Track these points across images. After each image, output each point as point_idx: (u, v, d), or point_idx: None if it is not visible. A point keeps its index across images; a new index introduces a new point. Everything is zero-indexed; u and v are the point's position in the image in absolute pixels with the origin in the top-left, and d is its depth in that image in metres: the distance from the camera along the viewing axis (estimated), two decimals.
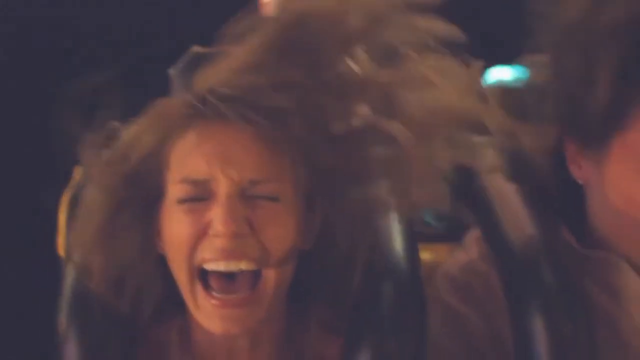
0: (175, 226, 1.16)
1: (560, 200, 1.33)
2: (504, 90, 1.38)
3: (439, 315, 1.31)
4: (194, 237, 1.15)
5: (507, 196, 1.33)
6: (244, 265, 1.15)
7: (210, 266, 1.15)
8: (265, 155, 1.15)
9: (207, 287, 1.16)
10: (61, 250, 1.41)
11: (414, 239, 1.29)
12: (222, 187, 1.14)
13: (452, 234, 1.53)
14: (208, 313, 1.16)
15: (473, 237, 1.38)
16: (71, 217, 1.41)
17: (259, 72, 1.15)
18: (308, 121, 1.15)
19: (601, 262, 1.27)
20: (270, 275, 1.16)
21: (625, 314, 1.26)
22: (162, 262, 1.21)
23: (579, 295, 1.22)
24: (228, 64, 1.17)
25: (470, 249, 1.36)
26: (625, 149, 1.23)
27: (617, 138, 1.24)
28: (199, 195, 1.15)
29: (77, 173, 1.43)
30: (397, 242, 1.26)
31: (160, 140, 1.18)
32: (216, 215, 1.13)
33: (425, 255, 1.33)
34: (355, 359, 1.18)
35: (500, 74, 1.51)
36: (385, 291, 1.21)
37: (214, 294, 1.15)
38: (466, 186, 1.48)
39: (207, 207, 1.14)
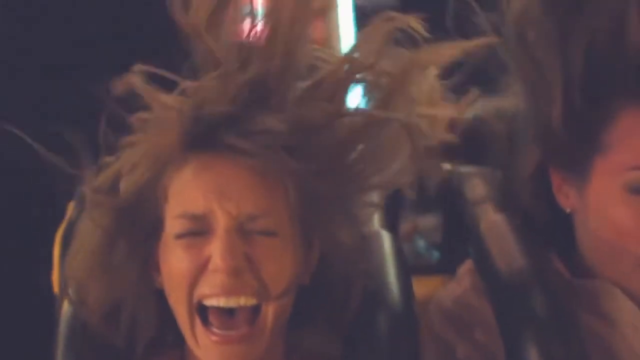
0: (174, 261, 1.16)
1: (550, 230, 1.33)
2: (492, 119, 1.40)
3: (432, 348, 1.31)
4: (193, 272, 1.14)
5: (497, 227, 1.34)
6: (243, 301, 1.14)
7: (209, 302, 1.15)
8: (263, 190, 1.15)
9: (206, 322, 1.15)
10: (56, 286, 1.42)
11: (407, 270, 1.29)
12: (221, 222, 1.13)
13: (445, 266, 1.54)
14: (208, 349, 1.16)
15: (466, 268, 1.38)
16: (65, 252, 1.41)
17: (255, 95, 1.16)
18: (304, 152, 1.16)
19: (592, 290, 1.28)
20: (269, 310, 1.16)
21: (619, 339, 1.26)
22: (158, 296, 1.21)
23: (571, 323, 1.22)
24: (223, 87, 1.17)
25: (462, 281, 1.37)
26: (605, 173, 1.24)
27: (597, 162, 1.25)
28: (198, 230, 1.15)
29: (71, 208, 1.44)
30: (391, 273, 1.27)
31: (156, 173, 1.18)
32: (215, 251, 1.13)
33: (419, 287, 1.33)
34: None
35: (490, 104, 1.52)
36: (379, 322, 1.21)
37: (214, 329, 1.15)
38: (458, 217, 1.49)
39: (206, 242, 1.14)
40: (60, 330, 1.25)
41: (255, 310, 1.15)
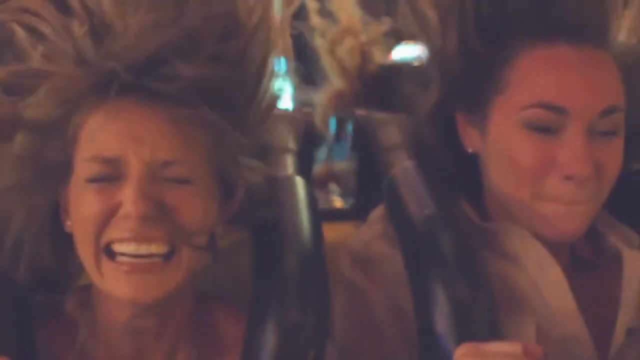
0: (84, 205, 1.13)
1: (460, 174, 1.35)
2: (402, 67, 1.41)
3: (342, 291, 1.32)
4: (102, 216, 1.12)
5: (408, 173, 1.35)
6: (154, 248, 1.12)
7: (118, 248, 1.12)
8: (178, 137, 1.12)
9: (113, 257, 1.12)
10: None
11: (318, 215, 1.29)
12: (134, 167, 1.11)
13: (357, 212, 1.55)
14: (116, 280, 1.12)
15: (377, 214, 1.39)
16: None
17: (167, 34, 1.13)
18: (219, 98, 1.14)
19: (500, 232, 1.31)
20: (183, 256, 1.14)
21: (524, 278, 1.29)
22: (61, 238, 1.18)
23: (478, 265, 1.24)
24: (133, 27, 1.13)
25: (373, 226, 1.38)
26: (503, 112, 1.28)
27: (496, 102, 1.29)
28: (109, 175, 1.12)
29: None
30: (302, 218, 1.26)
31: (64, 113, 1.14)
32: (127, 196, 1.10)
33: (330, 233, 1.33)
34: (259, 332, 1.17)
35: (404, 52, 1.53)
36: (288, 265, 1.21)
37: (123, 259, 1.11)
38: (371, 164, 1.49)
39: (118, 188, 1.12)
40: None
41: (168, 257, 1.13)
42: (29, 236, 1.18)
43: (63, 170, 1.16)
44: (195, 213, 1.13)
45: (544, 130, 1.25)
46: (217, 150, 1.15)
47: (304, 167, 1.43)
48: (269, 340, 1.16)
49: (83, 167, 1.13)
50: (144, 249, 1.12)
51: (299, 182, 1.31)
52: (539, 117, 1.25)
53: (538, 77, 1.26)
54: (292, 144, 1.43)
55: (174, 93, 1.11)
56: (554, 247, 1.30)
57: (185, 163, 1.13)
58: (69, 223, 1.17)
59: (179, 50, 1.12)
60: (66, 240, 1.18)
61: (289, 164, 1.37)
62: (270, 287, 1.20)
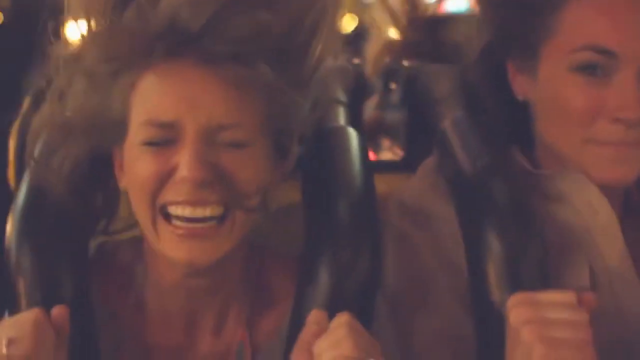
0: (140, 167, 1.13)
1: (512, 124, 1.35)
2: (452, 17, 1.40)
3: (392, 242, 1.32)
4: (158, 178, 1.12)
5: (460, 124, 1.34)
6: (209, 212, 1.12)
7: (174, 210, 1.12)
8: (234, 99, 1.11)
9: (169, 218, 1.13)
10: (11, 180, 1.40)
11: (369, 166, 1.29)
12: (190, 131, 1.10)
13: (408, 163, 1.54)
14: (172, 243, 1.13)
15: (428, 166, 1.39)
16: (21, 145, 1.39)
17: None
18: (274, 60, 1.12)
19: (553, 177, 1.30)
20: (237, 216, 1.14)
21: (575, 219, 1.29)
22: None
23: (531, 211, 1.24)
24: None
25: (423, 178, 1.37)
26: (552, 57, 1.28)
27: (545, 47, 1.29)
28: (165, 138, 1.11)
29: (27, 102, 1.41)
30: (354, 168, 1.26)
31: (116, 76, 1.13)
32: (183, 160, 1.10)
33: (381, 184, 1.33)
34: (312, 276, 1.18)
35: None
36: (340, 210, 1.20)
37: (179, 223, 1.12)
38: (422, 115, 1.49)
39: (174, 151, 1.11)
40: (18, 199, 1.22)
41: (222, 219, 1.13)
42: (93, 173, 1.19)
43: (118, 128, 1.15)
44: (250, 176, 1.13)
45: (594, 73, 1.24)
46: (272, 110, 1.14)
47: (355, 118, 1.43)
48: (322, 283, 1.17)
49: (138, 130, 1.13)
50: (199, 212, 1.12)
51: (350, 133, 1.31)
52: (589, 60, 1.24)
53: (588, 20, 1.25)
54: (342, 96, 1.42)
55: (230, 52, 1.10)
56: (607, 194, 1.29)
57: (241, 126, 1.12)
58: (124, 182, 1.17)
59: (234, 8, 1.10)
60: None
61: (340, 115, 1.37)
62: (322, 232, 1.21)
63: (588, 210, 1.29)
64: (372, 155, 1.54)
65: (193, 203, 1.11)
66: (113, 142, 1.17)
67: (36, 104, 1.46)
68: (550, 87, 1.28)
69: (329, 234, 1.20)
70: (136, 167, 1.13)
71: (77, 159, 1.18)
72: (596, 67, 1.24)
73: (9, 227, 1.21)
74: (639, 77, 1.24)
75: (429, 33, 2.11)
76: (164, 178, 1.12)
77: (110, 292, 1.23)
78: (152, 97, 1.12)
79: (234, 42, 1.10)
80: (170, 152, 1.11)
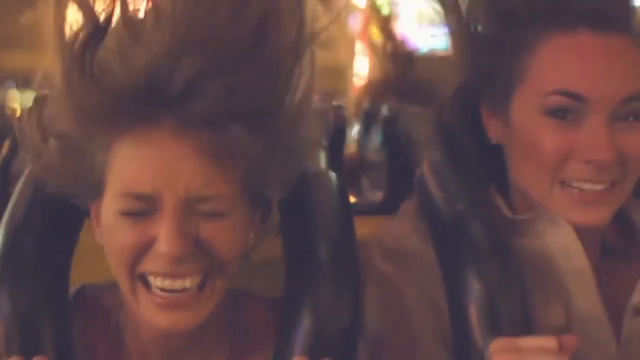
0: (118, 236, 1.11)
1: (487, 166, 1.36)
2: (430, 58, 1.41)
3: (373, 284, 1.32)
4: (137, 250, 1.10)
5: (438, 167, 1.35)
6: (189, 282, 1.11)
7: (153, 281, 1.11)
8: (211, 170, 1.09)
9: (148, 285, 1.12)
10: None
11: (349, 209, 1.29)
12: (168, 204, 1.08)
13: (388, 206, 1.55)
14: (152, 311, 1.12)
15: (408, 208, 1.39)
16: (3, 187, 1.39)
17: (196, 53, 1.06)
18: (251, 121, 1.10)
19: (530, 220, 1.31)
20: (217, 281, 1.13)
21: (551, 263, 1.29)
22: None
23: (510, 254, 1.24)
24: (158, 44, 1.07)
25: (404, 220, 1.37)
26: (525, 100, 1.29)
27: (517, 90, 1.30)
28: (143, 209, 1.09)
29: (7, 145, 1.41)
30: (333, 211, 1.26)
31: (89, 138, 1.11)
32: (161, 234, 1.08)
33: (361, 227, 1.33)
34: (293, 322, 1.17)
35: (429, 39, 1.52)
36: (321, 251, 1.21)
37: (158, 292, 1.11)
38: (402, 157, 1.50)
39: (152, 220, 1.09)
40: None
41: (201, 286, 1.12)
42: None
43: (94, 189, 1.13)
44: (229, 245, 1.11)
45: (565, 117, 1.25)
46: (250, 176, 1.12)
47: (334, 160, 1.43)
48: (303, 328, 1.17)
49: (115, 199, 1.11)
50: (178, 284, 1.10)
51: (330, 176, 1.31)
52: (560, 104, 1.25)
53: (559, 64, 1.26)
54: (322, 138, 1.43)
55: (207, 115, 1.07)
56: (583, 235, 1.29)
57: (220, 196, 1.10)
58: (100, 239, 1.15)
59: (212, 68, 1.08)
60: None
61: (320, 158, 1.37)
62: (303, 276, 1.20)
63: (562, 253, 1.29)
64: (352, 198, 1.54)
65: (172, 275, 1.10)
66: (89, 199, 1.16)
67: (16, 145, 1.47)
68: (522, 130, 1.29)
69: (310, 277, 1.20)
70: (114, 235, 1.12)
71: (50, 210, 1.18)
72: (567, 111, 1.25)
73: None
74: (610, 121, 1.25)
75: (407, 70, 2.14)
76: (143, 249, 1.10)
77: (89, 338, 1.21)
78: (128, 168, 1.09)
79: (211, 104, 1.07)
80: (147, 221, 1.09)
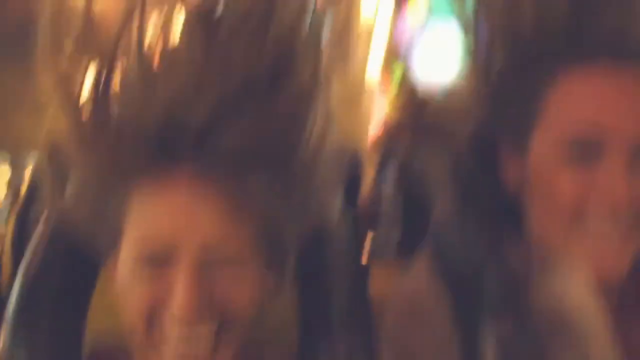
0: (133, 288, 1.11)
1: (504, 214, 1.34)
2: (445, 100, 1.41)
3: (387, 340, 1.30)
4: (153, 301, 1.10)
5: (453, 215, 1.34)
6: (204, 330, 1.11)
7: (169, 332, 1.11)
8: (229, 216, 1.09)
9: (164, 337, 1.11)
10: (6, 271, 1.40)
11: (362, 257, 1.29)
12: (185, 253, 1.09)
13: (404, 250, 1.55)
14: None
15: (422, 261, 1.37)
16: (19, 237, 1.40)
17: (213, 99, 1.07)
18: (269, 167, 1.11)
19: (546, 271, 1.29)
20: (232, 331, 1.12)
21: (568, 316, 1.27)
22: None
23: (527, 306, 1.23)
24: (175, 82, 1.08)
25: (419, 275, 1.35)
26: (541, 142, 1.28)
27: (535, 132, 1.29)
28: (160, 256, 1.09)
29: (24, 192, 1.42)
30: (347, 260, 1.26)
31: (109, 183, 1.11)
32: (178, 287, 1.08)
33: (376, 274, 1.33)
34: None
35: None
36: (335, 304, 1.21)
37: (173, 345, 1.10)
38: (417, 202, 1.49)
39: (169, 270, 1.09)
40: (12, 296, 1.22)
41: (217, 335, 1.11)
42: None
43: (112, 237, 1.13)
44: (246, 296, 1.11)
45: (582, 159, 1.24)
46: (268, 219, 1.12)
47: (350, 204, 1.43)
48: None
49: (133, 246, 1.11)
50: (194, 334, 1.10)
51: (344, 225, 1.31)
52: (578, 145, 1.24)
53: (578, 99, 1.25)
54: (337, 183, 1.43)
55: (222, 158, 1.08)
56: (601, 285, 1.26)
57: (237, 244, 1.10)
58: (114, 277, 1.15)
59: (225, 112, 1.08)
60: None
61: (335, 203, 1.37)
62: (317, 328, 1.21)
63: (579, 303, 1.27)
64: (367, 240, 1.54)
65: (189, 326, 1.10)
66: (106, 249, 1.16)
67: (34, 192, 1.48)
68: (540, 173, 1.28)
69: (324, 330, 1.20)
70: (130, 287, 1.12)
71: (67, 261, 1.18)
72: (585, 152, 1.24)
73: (4, 325, 1.21)
74: (629, 162, 1.24)
75: (422, 114, 2.14)
76: (160, 300, 1.10)
77: None
78: (146, 215, 1.10)
79: (229, 148, 1.08)
80: (164, 270, 1.10)
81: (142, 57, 1.09)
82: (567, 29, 1.26)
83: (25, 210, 1.45)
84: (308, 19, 1.13)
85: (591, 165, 1.24)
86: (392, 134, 2.07)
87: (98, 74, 1.09)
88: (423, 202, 1.46)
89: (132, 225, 1.12)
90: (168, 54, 1.09)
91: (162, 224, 1.09)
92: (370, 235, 1.97)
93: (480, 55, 1.31)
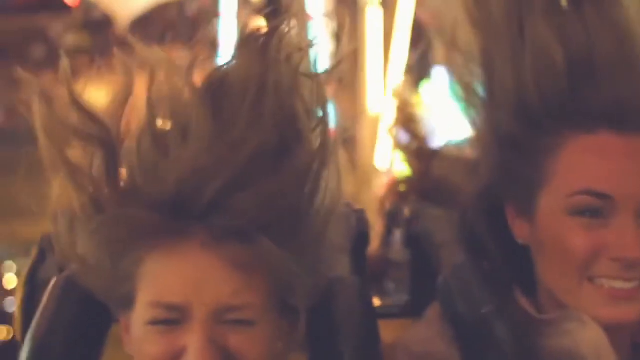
0: (147, 346, 1.12)
1: (512, 267, 1.35)
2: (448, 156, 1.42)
3: None
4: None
5: (462, 271, 1.35)
6: None
7: None
8: (240, 280, 1.11)
9: None
10: (17, 332, 1.40)
11: (373, 315, 1.29)
12: (198, 314, 1.10)
13: (413, 308, 1.54)
14: None
15: (434, 312, 1.38)
16: (30, 295, 1.40)
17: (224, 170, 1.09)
18: (278, 232, 1.11)
19: (557, 321, 1.30)
20: None
21: (584, 350, 1.27)
22: None
23: (535, 352, 1.24)
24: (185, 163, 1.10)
25: (430, 325, 1.36)
26: (549, 200, 1.30)
27: (543, 192, 1.31)
28: (173, 319, 1.11)
29: (34, 252, 1.43)
30: (357, 318, 1.26)
31: (121, 253, 1.13)
32: (191, 348, 1.09)
33: (386, 330, 1.33)
34: None
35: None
36: (346, 358, 1.21)
37: None
38: (426, 259, 1.50)
39: (181, 331, 1.11)
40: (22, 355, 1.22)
41: None
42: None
43: (125, 300, 1.14)
44: (258, 355, 1.12)
45: (592, 216, 1.26)
46: (278, 286, 1.13)
47: (357, 264, 1.43)
48: None
49: (146, 310, 1.12)
50: None
51: (353, 282, 1.32)
52: (587, 204, 1.26)
53: (583, 165, 1.28)
54: (344, 243, 1.43)
55: (235, 228, 1.09)
56: (613, 335, 1.28)
57: (249, 305, 1.11)
58: (128, 342, 1.16)
59: (239, 181, 1.10)
60: None
61: (343, 263, 1.38)
62: None
63: (592, 354, 1.27)
64: (376, 300, 1.54)
65: None
66: (120, 310, 1.17)
67: (44, 252, 1.48)
68: (549, 230, 1.29)
69: None
70: (143, 346, 1.13)
71: (77, 318, 1.19)
72: (594, 210, 1.26)
73: None
74: (637, 218, 1.26)
75: (430, 168, 2.14)
76: (172, 359, 1.11)
77: None
78: (159, 279, 1.12)
79: (239, 217, 1.09)
80: (177, 332, 1.11)
81: (155, 132, 1.12)
82: (566, 99, 1.29)
83: (35, 269, 1.45)
84: (307, 82, 1.16)
85: (600, 222, 1.26)
86: (400, 191, 2.07)
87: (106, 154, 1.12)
88: (431, 259, 1.47)
89: (145, 290, 1.13)
90: (179, 128, 1.12)
91: (174, 286, 1.10)
92: (379, 292, 1.97)
93: (489, 117, 1.33)
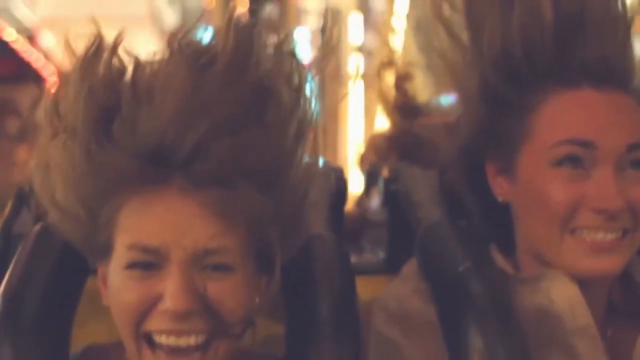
0: (124, 292, 1.12)
1: (490, 226, 1.36)
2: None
3: (376, 347, 1.32)
4: (142, 306, 1.11)
5: (440, 229, 1.35)
6: (193, 341, 1.11)
7: (158, 339, 1.12)
8: (219, 224, 1.11)
9: (153, 345, 1.12)
10: None
11: (350, 272, 1.29)
12: (175, 258, 1.10)
13: (390, 266, 1.55)
14: None
15: (410, 269, 1.39)
16: (5, 249, 1.40)
17: (206, 116, 1.10)
18: (258, 179, 1.12)
19: (533, 279, 1.31)
20: (222, 343, 1.13)
21: (556, 321, 1.29)
22: None
23: (512, 314, 1.25)
24: (169, 105, 1.10)
25: (407, 282, 1.37)
26: (531, 154, 1.30)
27: (525, 147, 1.31)
28: (150, 262, 1.11)
29: (9, 205, 1.42)
30: (334, 273, 1.26)
31: (100, 198, 1.13)
32: (168, 290, 1.09)
33: (363, 288, 1.33)
34: None
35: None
36: (322, 311, 1.21)
37: (162, 353, 1.11)
38: (403, 218, 1.50)
39: (158, 277, 1.11)
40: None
41: (205, 347, 1.12)
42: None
43: (103, 247, 1.15)
44: (236, 303, 1.12)
45: (574, 166, 1.27)
46: (258, 230, 1.13)
47: (336, 221, 1.44)
48: None
49: (123, 254, 1.12)
50: (183, 341, 1.11)
51: (331, 240, 1.32)
52: (569, 153, 1.27)
53: (566, 117, 1.28)
54: (323, 200, 1.43)
55: (214, 175, 1.10)
56: (590, 292, 1.29)
57: (227, 249, 1.11)
58: (107, 301, 1.16)
59: (218, 131, 1.11)
60: None
61: (321, 220, 1.38)
62: (304, 336, 1.21)
63: (567, 310, 1.29)
64: (353, 258, 1.54)
65: (177, 333, 1.10)
66: (97, 260, 1.17)
67: (18, 207, 1.47)
68: (531, 184, 1.30)
69: (311, 336, 1.20)
70: (120, 292, 1.13)
71: (52, 268, 1.19)
72: (576, 159, 1.27)
73: None
74: (618, 169, 1.27)
75: (413, 125, 2.14)
76: (148, 306, 1.11)
77: None
78: (137, 222, 1.12)
79: (219, 165, 1.10)
80: (154, 278, 1.11)
81: (135, 86, 1.12)
82: (552, 55, 1.29)
83: (9, 224, 1.44)
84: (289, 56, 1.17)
85: (581, 174, 1.27)
86: (380, 149, 2.07)
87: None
88: (408, 217, 1.46)
89: (123, 235, 1.13)
90: (161, 76, 1.12)
91: (152, 229, 1.11)
92: (356, 250, 1.98)
93: (474, 73, 1.33)
